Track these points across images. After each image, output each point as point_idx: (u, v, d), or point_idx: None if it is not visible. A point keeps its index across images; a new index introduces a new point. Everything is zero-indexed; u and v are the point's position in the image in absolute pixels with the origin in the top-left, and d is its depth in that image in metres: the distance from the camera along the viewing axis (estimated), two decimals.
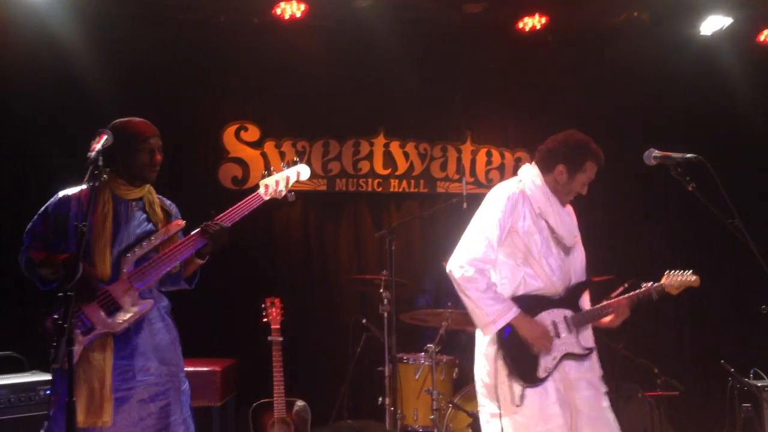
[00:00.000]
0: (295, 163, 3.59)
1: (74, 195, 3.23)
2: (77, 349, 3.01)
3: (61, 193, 3.27)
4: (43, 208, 3.26)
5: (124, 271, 3.15)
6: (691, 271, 3.43)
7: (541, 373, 3.19)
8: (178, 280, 3.40)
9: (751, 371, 5.14)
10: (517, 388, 3.18)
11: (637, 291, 3.39)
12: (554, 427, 3.13)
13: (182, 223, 3.35)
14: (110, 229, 3.16)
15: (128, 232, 3.21)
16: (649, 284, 3.40)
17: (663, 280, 3.41)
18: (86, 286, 3.03)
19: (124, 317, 3.10)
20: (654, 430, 5.17)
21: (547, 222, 3.30)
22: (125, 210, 3.25)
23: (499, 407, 3.19)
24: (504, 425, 3.18)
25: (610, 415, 3.27)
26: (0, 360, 4.23)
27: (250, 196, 3.42)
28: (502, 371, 3.20)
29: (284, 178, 3.49)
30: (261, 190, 3.46)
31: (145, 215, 3.30)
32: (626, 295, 3.38)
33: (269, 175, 3.51)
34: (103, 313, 3.08)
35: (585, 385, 3.24)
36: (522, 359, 3.20)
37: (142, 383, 3.13)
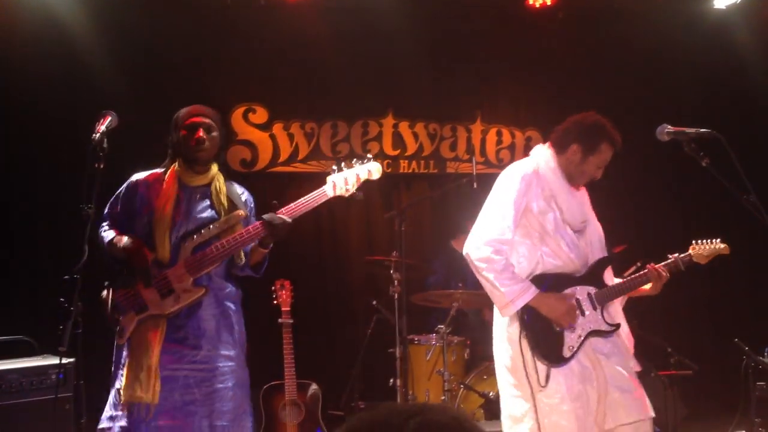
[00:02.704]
0: (367, 161, 3.42)
1: (143, 179, 3.33)
2: (129, 326, 3.16)
3: (133, 177, 3.38)
4: (119, 190, 3.37)
5: (182, 257, 3.19)
6: (719, 239, 3.48)
7: (566, 353, 3.13)
8: (244, 267, 3.40)
9: (766, 349, 5.08)
10: (542, 368, 3.12)
11: (667, 262, 3.42)
12: (580, 405, 3.07)
13: (243, 213, 3.33)
14: (170, 214, 3.22)
15: (188, 219, 3.26)
16: (675, 255, 3.43)
17: (690, 250, 3.45)
18: (143, 269, 3.14)
19: (174, 302, 3.16)
20: (668, 409, 5.14)
21: (557, 203, 3.26)
22: (188, 196, 3.30)
23: (528, 390, 3.12)
24: (529, 407, 3.11)
25: (640, 390, 3.22)
26: (11, 344, 4.24)
27: (315, 192, 3.33)
28: (527, 352, 3.13)
29: (354, 175, 3.35)
30: (327, 188, 3.35)
31: (209, 203, 3.32)
32: (659, 265, 3.40)
33: (338, 170, 3.36)
34: (157, 295, 3.15)
35: (614, 360, 3.19)
36: (545, 339, 3.14)
37: (188, 367, 3.18)
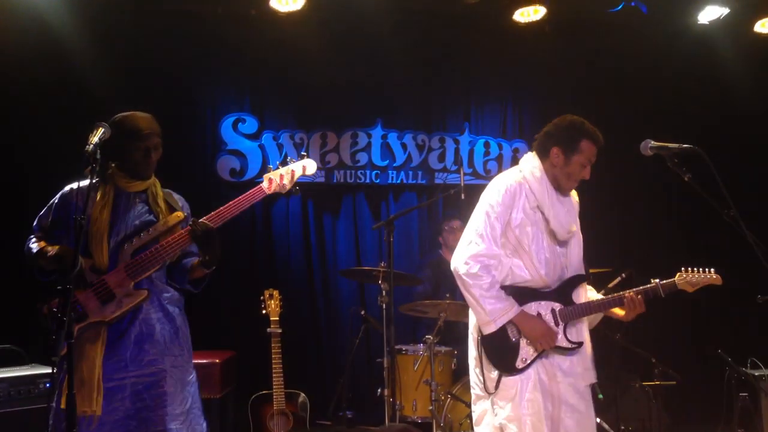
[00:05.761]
0: (301, 158, 3.52)
1: (77, 188, 3.24)
2: None
3: (67, 187, 3.31)
4: (51, 201, 3.30)
5: (121, 261, 3.14)
6: (713, 269, 3.35)
7: (519, 364, 3.21)
8: (183, 279, 3.36)
9: (749, 361, 5.15)
10: (494, 374, 3.23)
11: (646, 286, 3.33)
12: (533, 413, 3.14)
13: (181, 214, 3.30)
14: (107, 219, 3.17)
15: (126, 223, 3.22)
16: (657, 281, 3.34)
17: (676, 277, 3.34)
18: (78, 275, 2.98)
19: (116, 307, 3.11)
20: (651, 420, 5.20)
21: (543, 214, 3.30)
22: (125, 201, 3.26)
23: (484, 390, 3.26)
24: (488, 409, 3.25)
25: (591, 411, 3.29)
26: None
27: (252, 190, 3.36)
28: (483, 357, 3.27)
29: (289, 172, 3.43)
30: (264, 184, 3.40)
31: (146, 207, 3.30)
32: (635, 290, 3.32)
33: (274, 169, 3.46)
34: (96, 302, 3.09)
35: (570, 379, 3.24)
36: (499, 348, 3.23)
37: (134, 373, 3.13)
